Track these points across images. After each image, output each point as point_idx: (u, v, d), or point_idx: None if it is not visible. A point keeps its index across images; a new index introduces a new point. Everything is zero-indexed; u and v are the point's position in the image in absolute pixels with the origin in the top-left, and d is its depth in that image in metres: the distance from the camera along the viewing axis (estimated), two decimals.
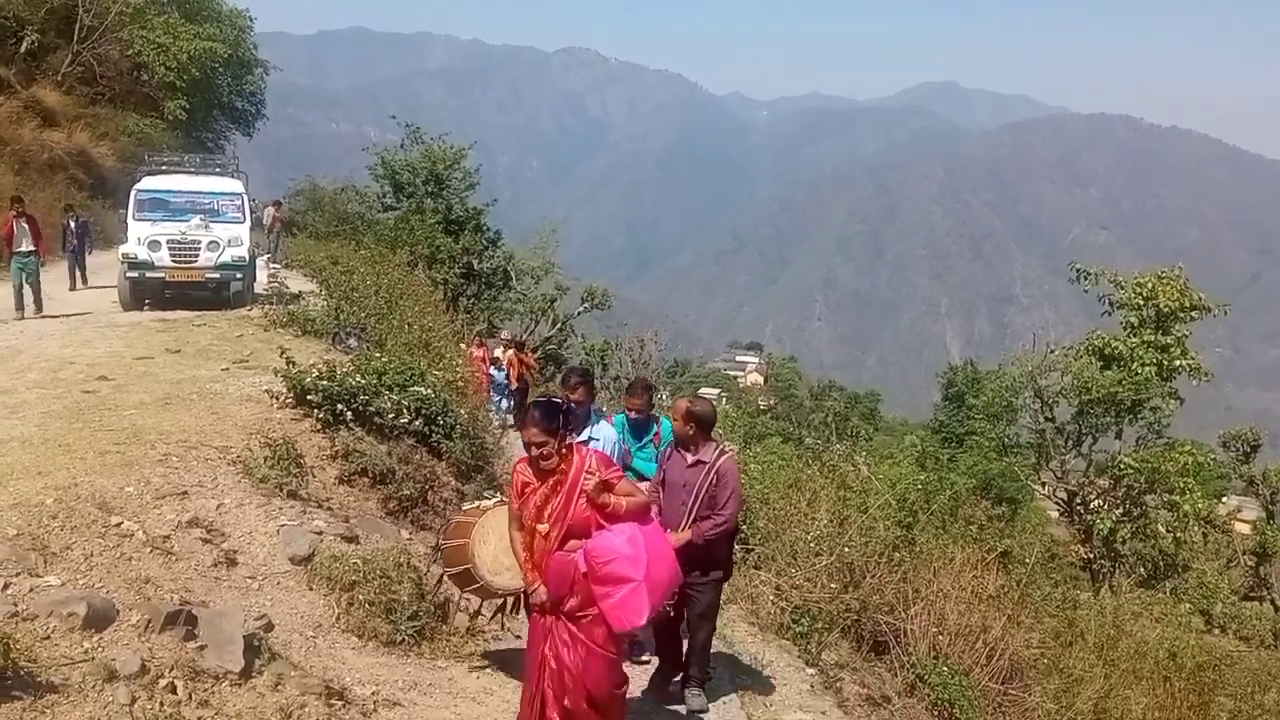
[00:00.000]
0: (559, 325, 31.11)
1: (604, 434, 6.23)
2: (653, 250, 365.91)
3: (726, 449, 5.87)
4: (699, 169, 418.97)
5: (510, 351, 18.02)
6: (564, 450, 4.45)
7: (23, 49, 29.93)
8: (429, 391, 8.94)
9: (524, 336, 23.43)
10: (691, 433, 5.83)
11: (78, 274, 19.26)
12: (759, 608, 8.11)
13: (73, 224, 19.45)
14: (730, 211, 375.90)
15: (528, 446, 4.41)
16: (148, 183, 16.97)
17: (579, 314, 31.85)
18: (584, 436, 5.83)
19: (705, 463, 5.72)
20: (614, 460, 4.93)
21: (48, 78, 30.21)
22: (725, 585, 6.40)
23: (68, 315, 15.09)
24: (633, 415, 6.91)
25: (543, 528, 4.46)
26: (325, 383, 8.22)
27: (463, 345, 15.82)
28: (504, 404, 17.04)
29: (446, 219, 27.76)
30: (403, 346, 11.43)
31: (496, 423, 14.76)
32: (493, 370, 17.09)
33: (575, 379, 6.31)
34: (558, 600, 4.42)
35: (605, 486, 4.43)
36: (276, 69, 43.58)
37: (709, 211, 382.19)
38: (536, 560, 4.51)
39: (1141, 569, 20.25)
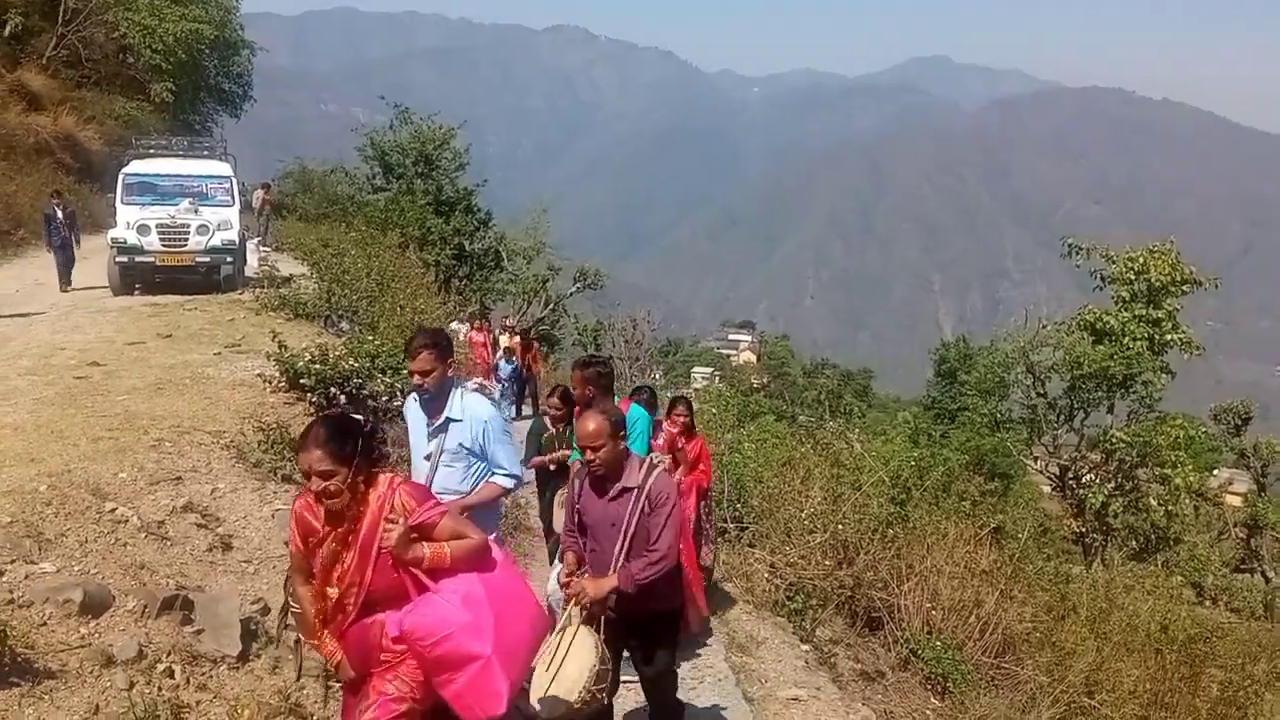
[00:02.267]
0: (551, 306, 31.07)
1: (472, 411, 4.61)
2: (645, 229, 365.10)
3: (655, 461, 4.46)
4: (690, 147, 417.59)
5: (515, 339, 16.80)
6: (361, 487, 3.20)
7: (6, 32, 29.59)
8: None
9: (516, 318, 23.33)
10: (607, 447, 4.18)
11: (69, 272, 16.30)
12: (754, 585, 8.16)
13: (60, 213, 16.53)
14: (722, 190, 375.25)
15: (306, 476, 3.18)
16: (135, 166, 16.82)
17: (571, 294, 31.78)
18: (443, 417, 4.59)
19: (631, 489, 4.23)
20: (430, 490, 3.65)
21: (33, 61, 29.89)
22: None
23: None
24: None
25: (333, 592, 3.28)
26: (318, 366, 8.21)
27: (454, 325, 15.69)
28: (503, 395, 14.91)
29: (437, 200, 27.66)
30: (395, 329, 11.41)
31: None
32: (500, 361, 15.84)
33: (418, 342, 4.56)
34: (365, 678, 3.31)
35: (418, 533, 3.21)
36: (264, 50, 43.11)
37: (701, 190, 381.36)
38: (334, 629, 3.34)
39: (1133, 542, 20.41)
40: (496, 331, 17.71)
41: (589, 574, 4.31)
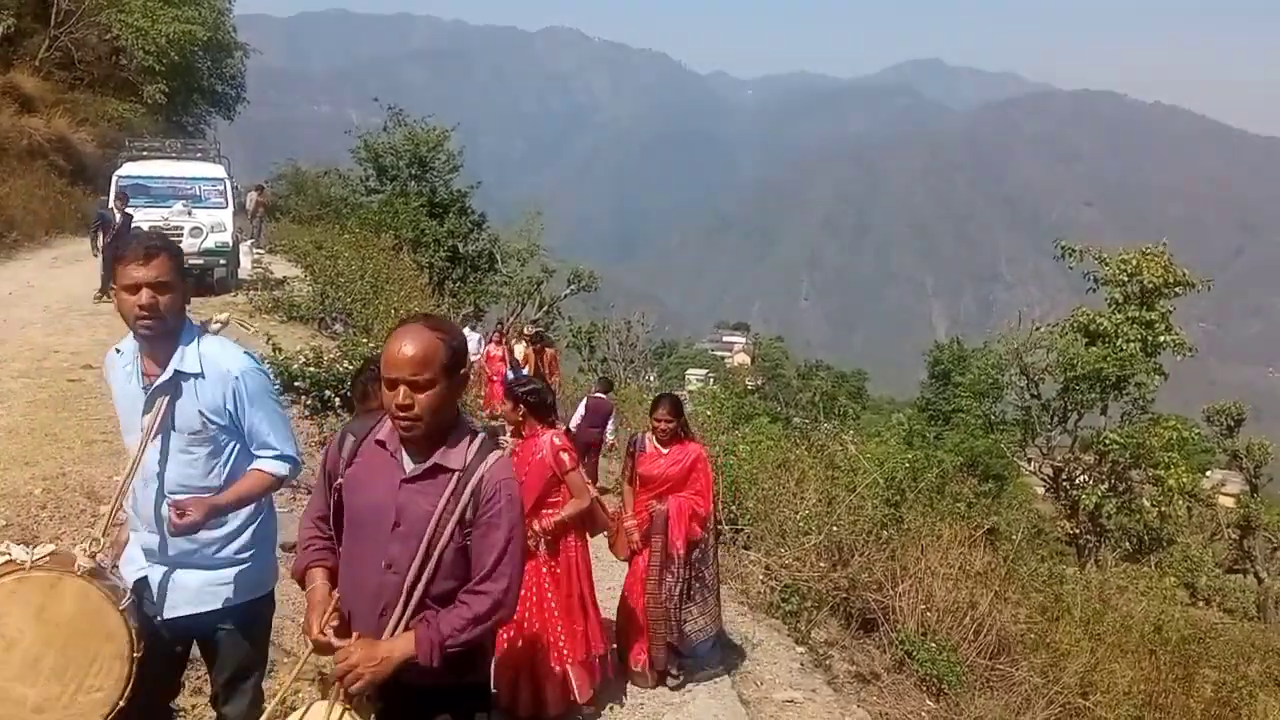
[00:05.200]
0: (546, 308, 31.05)
1: (214, 362, 2.91)
2: (639, 231, 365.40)
3: (500, 440, 2.64)
4: (684, 149, 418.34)
5: (528, 347, 14.69)
6: None
7: None
8: None
9: (511, 319, 23.29)
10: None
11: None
12: (748, 587, 8.16)
13: (118, 216, 14.87)
14: (716, 192, 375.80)
15: None
16: (129, 168, 16.82)
17: (566, 296, 31.76)
18: (170, 369, 2.84)
19: (451, 472, 2.43)
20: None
21: (25, 63, 29.78)
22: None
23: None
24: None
25: None
26: (312, 369, 8.21)
27: (466, 331, 15.39)
28: None
29: (431, 202, 27.66)
30: (389, 332, 11.39)
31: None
32: (508, 373, 13.53)
33: (146, 244, 2.85)
34: None
35: None
36: (257, 52, 43.10)
37: (694, 192, 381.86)
38: None
39: (1127, 543, 20.46)
40: (511, 340, 15.61)
41: (356, 636, 2.40)
